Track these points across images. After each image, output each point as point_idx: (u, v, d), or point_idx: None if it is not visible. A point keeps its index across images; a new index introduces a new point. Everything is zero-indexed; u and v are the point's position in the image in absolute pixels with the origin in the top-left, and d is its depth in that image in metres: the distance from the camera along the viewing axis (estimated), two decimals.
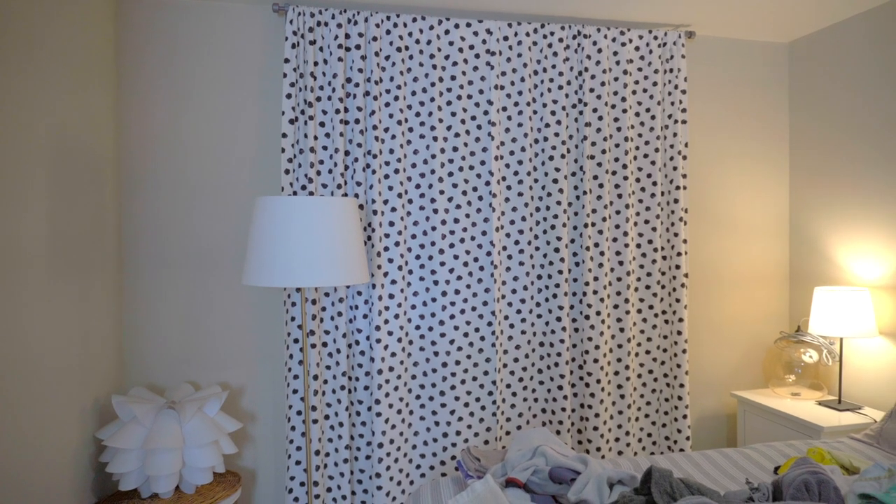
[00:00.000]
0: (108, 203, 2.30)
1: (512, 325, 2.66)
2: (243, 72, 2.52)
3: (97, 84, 2.21)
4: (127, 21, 2.41)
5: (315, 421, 2.43)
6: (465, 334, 2.60)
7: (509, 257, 2.66)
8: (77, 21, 2.05)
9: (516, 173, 2.65)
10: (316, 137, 2.45)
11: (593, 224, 2.70)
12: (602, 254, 2.67)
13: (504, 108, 2.64)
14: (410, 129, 2.58)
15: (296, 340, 2.44)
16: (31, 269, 1.75)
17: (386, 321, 2.50)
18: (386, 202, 2.52)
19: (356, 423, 2.55)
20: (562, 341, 2.63)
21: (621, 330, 2.73)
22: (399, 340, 2.52)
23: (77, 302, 2.03)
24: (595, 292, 2.67)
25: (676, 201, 2.75)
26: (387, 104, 2.52)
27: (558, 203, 2.63)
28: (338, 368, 2.47)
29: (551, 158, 2.64)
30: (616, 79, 2.71)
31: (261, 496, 2.58)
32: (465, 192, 2.60)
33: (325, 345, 2.50)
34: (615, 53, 2.70)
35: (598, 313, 2.66)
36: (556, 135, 2.64)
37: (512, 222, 2.65)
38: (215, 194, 2.50)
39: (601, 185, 2.68)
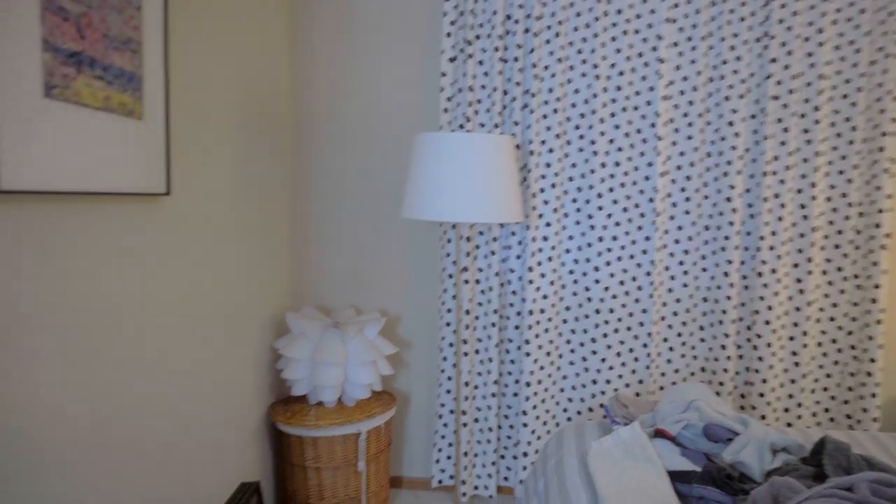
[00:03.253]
0: (283, 142, 2.52)
1: (673, 277, 2.52)
2: (404, 11, 2.58)
3: (276, 35, 2.40)
4: None
5: (465, 354, 2.52)
6: (621, 282, 2.51)
7: (674, 205, 2.49)
8: None
9: (686, 115, 2.45)
10: (475, 76, 2.45)
11: (774, 173, 2.43)
12: (783, 206, 2.41)
13: (675, 44, 2.43)
14: (571, 68, 2.48)
15: (450, 276, 2.53)
16: (221, 200, 1.98)
17: (539, 263, 2.49)
18: (543, 143, 2.47)
19: (505, 360, 2.60)
20: (728, 298, 2.44)
21: (801, 292, 2.46)
22: (551, 283, 2.50)
23: (258, 229, 2.27)
24: (771, 248, 2.42)
25: (881, 150, 2.37)
26: (547, 41, 2.44)
27: (733, 148, 2.40)
28: (489, 306, 2.52)
29: (727, 99, 2.40)
30: (812, 6, 2.36)
31: (413, 418, 2.75)
32: (627, 134, 2.47)
33: (477, 282, 2.56)
34: None
35: (774, 271, 2.41)
36: (735, 72, 2.38)
37: (678, 168, 2.47)
38: (378, 132, 2.62)
39: (786, 130, 2.39)
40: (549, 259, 2.50)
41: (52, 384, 1.23)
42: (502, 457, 2.68)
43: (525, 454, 2.53)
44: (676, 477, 1.43)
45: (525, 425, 2.51)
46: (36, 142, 1.16)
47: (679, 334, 2.53)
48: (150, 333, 1.57)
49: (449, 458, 2.63)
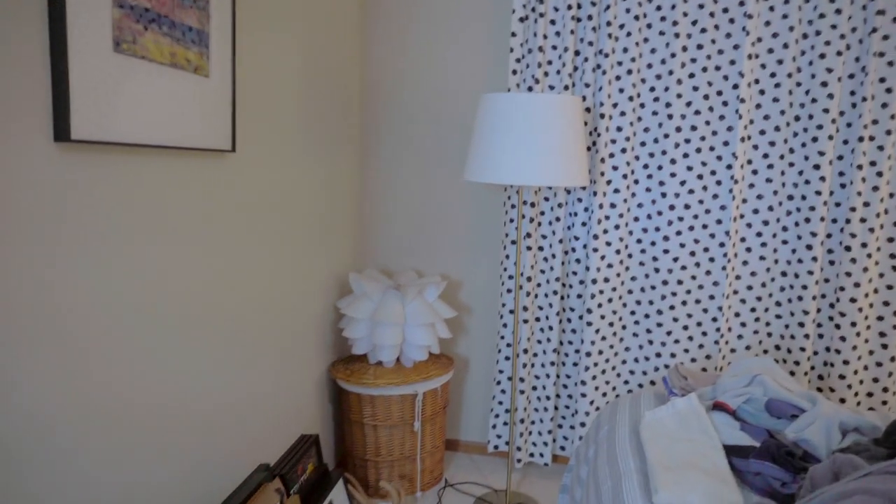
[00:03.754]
0: (349, 105, 2.54)
1: (749, 249, 2.37)
2: None
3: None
4: None
5: (525, 321, 2.49)
6: (692, 253, 2.39)
7: (754, 172, 2.34)
8: None
9: (773, 75, 2.28)
10: (545, 37, 2.37)
11: (871, 138, 2.22)
12: (879, 174, 2.20)
13: None
14: (649, 26, 2.35)
15: (512, 242, 2.49)
16: (287, 160, 2.03)
17: (605, 231, 2.41)
18: (615, 105, 2.37)
19: (566, 329, 2.56)
20: (810, 273, 2.28)
21: (894, 269, 2.26)
22: (617, 252, 2.42)
23: (323, 190, 2.31)
24: (863, 220, 2.23)
25: None
26: None
27: (825, 111, 2.21)
28: (551, 273, 2.48)
29: (822, 57, 2.20)
30: None
31: (471, 383, 2.76)
32: (706, 97, 2.32)
33: (540, 249, 2.51)
34: None
35: (864, 245, 2.23)
36: (834, 27, 2.18)
37: (762, 132, 2.31)
38: (444, 95, 2.60)
39: (889, 90, 2.18)
40: (617, 227, 2.41)
41: (121, 340, 1.31)
42: (559, 426, 2.65)
43: (582, 424, 2.49)
44: (733, 451, 1.36)
45: (584, 395, 2.47)
46: (104, 95, 1.22)
47: (753, 309, 2.39)
48: (218, 287, 1.64)
49: (505, 424, 2.64)
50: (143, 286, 1.36)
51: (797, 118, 2.28)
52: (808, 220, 2.27)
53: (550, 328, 2.50)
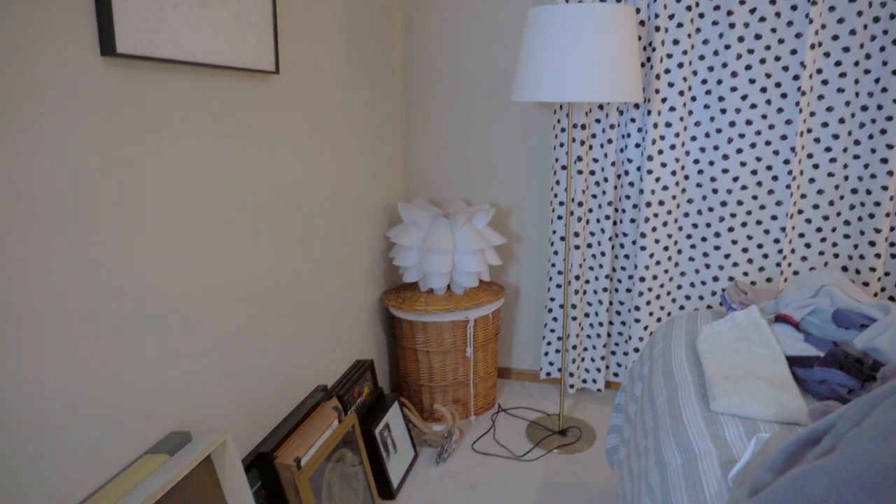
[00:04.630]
0: (394, 29, 2.48)
1: (816, 166, 2.24)
2: None
3: None
4: None
5: (577, 247, 2.45)
6: (754, 171, 2.28)
7: (824, 82, 2.18)
8: None
9: None
10: None
11: None
12: None
13: None
14: None
15: (563, 167, 2.43)
16: (331, 85, 2.00)
17: (660, 151, 2.31)
18: (672, 17, 2.23)
19: (619, 254, 2.51)
20: (884, 188, 2.14)
21: None
22: (673, 173, 2.33)
23: (369, 119, 2.29)
24: None
25: None
26: None
27: None
28: (604, 198, 2.41)
29: None
30: None
31: (522, 311, 2.76)
32: (773, 1, 2.15)
33: (592, 173, 2.44)
34: None
35: None
36: None
37: (835, 38, 2.14)
38: (492, 15, 2.50)
39: None
40: (672, 147, 2.31)
41: (175, 256, 1.34)
42: (612, 352, 2.64)
43: (636, 350, 2.47)
44: (796, 362, 1.31)
45: (637, 321, 2.43)
46: (149, 10, 1.21)
47: (818, 229, 2.28)
48: (265, 216, 1.67)
49: (557, 351, 2.64)
50: (188, 207, 1.39)
51: (876, 19, 2.09)
52: (883, 132, 2.12)
53: (603, 254, 2.45)
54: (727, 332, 1.44)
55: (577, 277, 2.48)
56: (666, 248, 2.40)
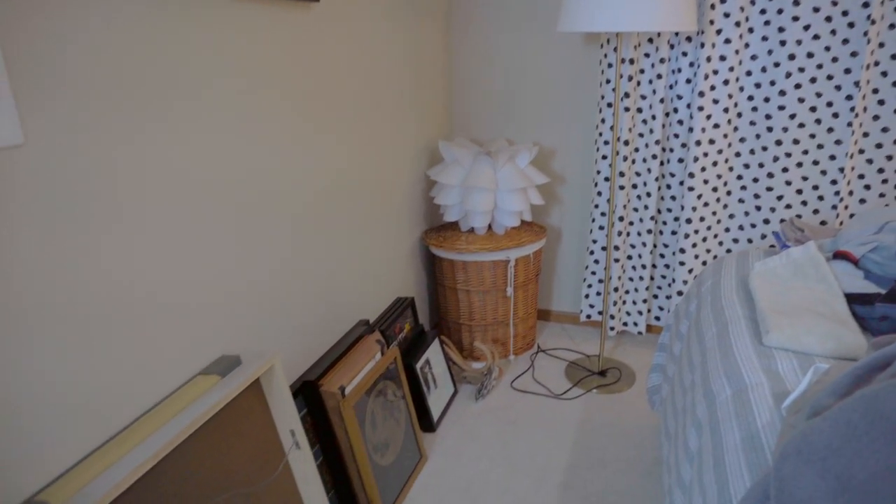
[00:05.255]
0: None
1: (882, 102, 2.11)
2: None
3: None
4: None
5: (622, 188, 2.39)
6: (812, 108, 2.16)
7: None
8: None
9: None
10: None
11: None
12: None
13: None
14: None
15: (609, 104, 2.35)
16: (371, 20, 1.95)
17: (712, 87, 2.21)
18: None
19: (665, 195, 2.44)
20: None
21: None
22: (725, 110, 2.23)
23: (410, 56, 2.23)
24: None
25: None
26: None
27: None
28: (651, 136, 2.33)
29: None
30: None
31: (563, 252, 2.73)
32: None
33: (639, 110, 2.35)
34: None
35: None
36: None
37: None
38: None
39: None
40: (726, 82, 2.20)
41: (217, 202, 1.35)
42: (654, 296, 2.60)
43: (679, 293, 2.43)
44: (855, 299, 1.27)
45: (682, 264, 2.38)
46: None
47: (880, 170, 2.17)
48: (308, 151, 1.66)
49: (598, 294, 2.61)
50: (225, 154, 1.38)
51: None
52: None
53: (648, 195, 2.39)
54: (782, 269, 1.40)
55: (621, 219, 2.43)
56: (715, 189, 2.33)
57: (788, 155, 2.21)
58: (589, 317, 2.66)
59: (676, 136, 2.34)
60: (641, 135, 2.37)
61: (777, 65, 2.16)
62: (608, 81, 2.32)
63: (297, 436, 1.38)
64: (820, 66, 2.12)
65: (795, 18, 2.09)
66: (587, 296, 2.62)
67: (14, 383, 0.90)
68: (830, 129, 2.17)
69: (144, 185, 1.11)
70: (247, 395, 1.30)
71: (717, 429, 1.03)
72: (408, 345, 2.15)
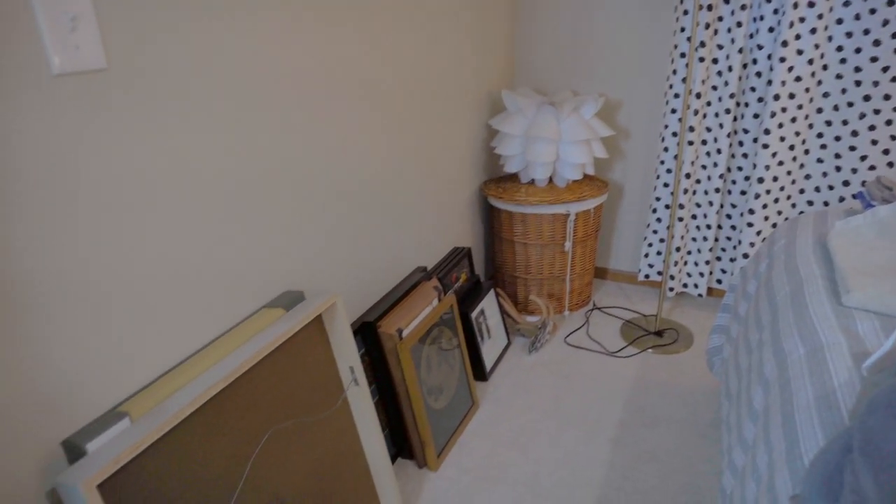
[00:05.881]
0: None
1: None
2: None
3: None
4: None
5: (690, 143, 2.30)
6: None
7: None
8: None
9: None
10: None
11: None
12: None
13: None
14: None
15: (682, 54, 2.23)
16: None
17: (797, 36, 2.07)
18: None
19: (736, 153, 2.33)
20: None
21: None
22: (810, 62, 2.09)
23: (474, 1, 2.17)
24: None
25: None
26: None
27: None
28: (725, 89, 2.21)
29: None
30: None
31: (625, 209, 2.66)
32: None
33: (714, 61, 2.23)
34: None
35: None
36: None
37: None
38: None
39: None
40: (813, 31, 2.06)
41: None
42: (718, 258, 2.52)
43: (745, 255, 2.34)
44: None
45: (750, 225, 2.29)
46: None
47: None
48: (364, 92, 1.64)
49: (659, 253, 2.55)
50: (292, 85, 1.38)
51: None
52: None
53: (718, 151, 2.29)
54: (866, 228, 1.32)
55: (688, 176, 2.34)
56: (791, 148, 2.21)
57: (877, 112, 2.07)
58: (647, 276, 2.60)
59: (753, 89, 2.22)
60: (715, 87, 2.26)
61: (873, 11, 1.99)
62: (683, 30, 2.21)
63: (356, 372, 1.41)
64: None
65: None
66: (646, 255, 2.56)
67: (115, 294, 0.94)
68: None
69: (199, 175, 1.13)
70: (309, 330, 1.33)
71: (788, 387, 0.99)
72: (463, 294, 2.16)
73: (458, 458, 1.75)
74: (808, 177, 2.26)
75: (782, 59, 2.08)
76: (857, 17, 2.04)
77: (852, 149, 2.14)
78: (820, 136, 2.20)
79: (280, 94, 1.29)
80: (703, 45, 2.17)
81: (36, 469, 0.88)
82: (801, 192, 2.29)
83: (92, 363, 0.94)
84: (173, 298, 1.08)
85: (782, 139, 2.18)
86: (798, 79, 2.11)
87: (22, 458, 0.86)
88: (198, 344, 1.15)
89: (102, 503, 0.87)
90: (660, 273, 2.57)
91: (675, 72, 2.27)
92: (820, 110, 2.17)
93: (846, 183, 2.18)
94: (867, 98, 2.07)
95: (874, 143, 2.10)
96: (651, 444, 1.78)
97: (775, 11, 2.10)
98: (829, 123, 2.17)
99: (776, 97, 2.12)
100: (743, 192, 2.36)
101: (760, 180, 2.22)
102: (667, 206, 2.45)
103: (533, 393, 2.02)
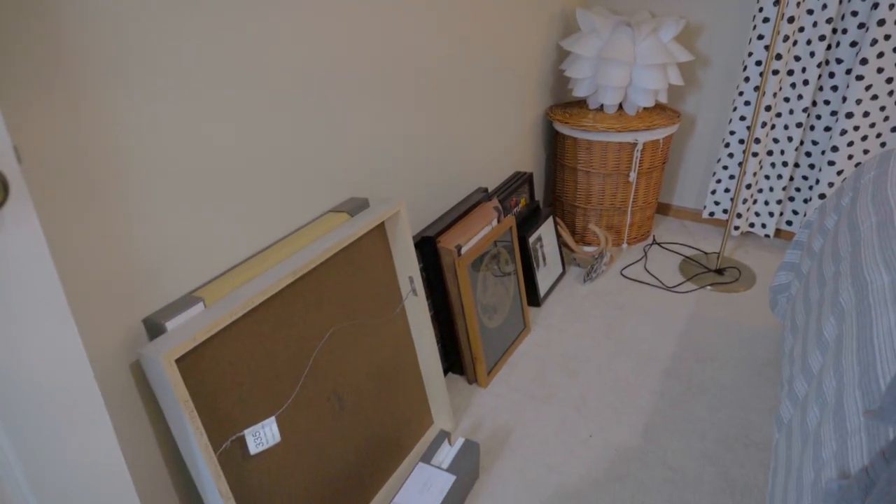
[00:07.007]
0: None
1: None
2: None
3: None
4: None
5: (775, 73, 2.15)
6: None
7: None
8: None
9: None
10: None
11: None
12: None
13: None
14: None
15: None
16: None
17: None
18: None
19: (825, 85, 2.17)
20: None
21: None
22: None
23: None
24: None
25: None
26: None
27: None
28: (822, 13, 2.05)
29: None
30: None
31: (695, 142, 2.55)
32: None
33: None
34: None
35: None
36: None
37: None
38: None
39: None
40: None
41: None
42: (791, 198, 2.40)
43: (822, 196, 2.22)
44: None
45: (831, 164, 2.16)
46: None
47: None
48: (428, 10, 1.59)
49: (727, 191, 2.45)
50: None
51: None
52: None
53: (805, 82, 2.14)
54: None
55: (768, 108, 2.21)
56: (889, 81, 2.04)
57: None
58: (712, 214, 2.51)
59: (854, 13, 2.04)
60: (811, 11, 2.09)
61: None
62: None
63: (415, 283, 1.43)
64: None
65: None
66: (714, 192, 2.46)
67: (198, 183, 0.97)
68: None
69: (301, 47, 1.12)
70: (372, 236, 1.35)
71: (868, 313, 0.95)
72: (522, 219, 2.14)
73: (507, 377, 1.78)
74: None
75: None
76: None
77: None
78: None
79: (352, 13, 1.26)
80: None
81: (121, 343, 0.94)
82: (893, 129, 2.13)
83: (173, 248, 0.98)
84: (250, 192, 1.10)
85: (879, 70, 2.02)
86: None
87: (109, 333, 0.92)
88: (269, 240, 1.18)
89: (180, 376, 0.92)
90: (726, 211, 2.48)
91: None
92: None
93: None
94: None
95: None
96: (703, 378, 1.76)
97: None
98: None
99: (880, 23, 1.95)
100: (827, 128, 2.22)
101: (849, 115, 2.08)
102: (741, 141, 2.33)
103: (585, 321, 2.02)
